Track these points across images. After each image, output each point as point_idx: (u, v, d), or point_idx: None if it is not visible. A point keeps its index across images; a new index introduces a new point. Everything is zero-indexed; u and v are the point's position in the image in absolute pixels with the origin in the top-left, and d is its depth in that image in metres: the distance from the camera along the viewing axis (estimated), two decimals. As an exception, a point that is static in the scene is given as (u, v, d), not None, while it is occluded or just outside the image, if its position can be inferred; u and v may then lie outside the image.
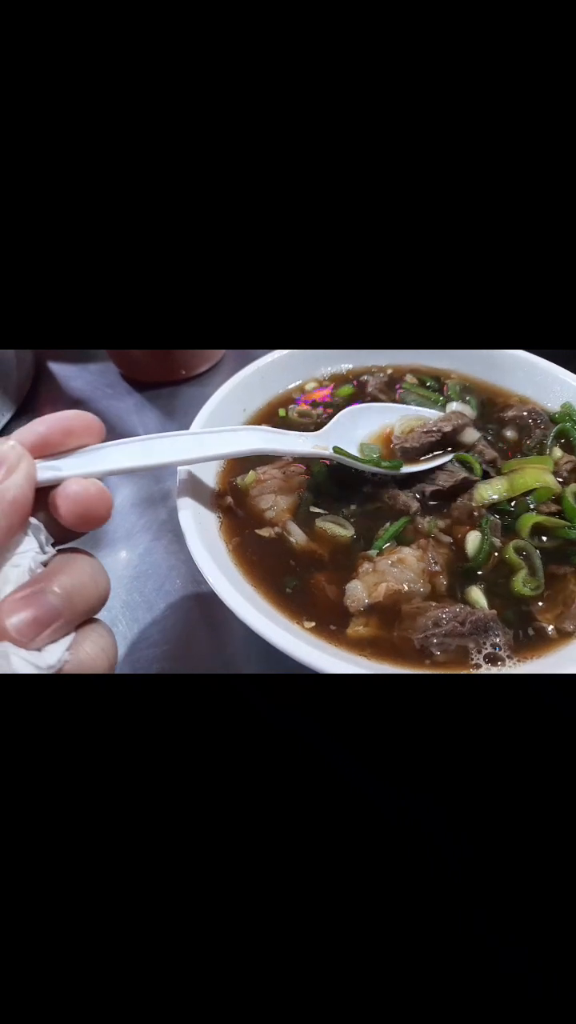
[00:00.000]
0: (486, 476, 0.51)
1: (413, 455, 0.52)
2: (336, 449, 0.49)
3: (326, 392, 0.61)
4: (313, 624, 0.42)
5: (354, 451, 0.51)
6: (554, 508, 0.49)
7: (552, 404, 0.58)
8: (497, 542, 0.46)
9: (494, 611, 0.42)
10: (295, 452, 0.49)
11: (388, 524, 0.48)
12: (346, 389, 0.61)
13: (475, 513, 0.48)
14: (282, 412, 0.58)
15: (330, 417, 0.55)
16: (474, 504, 0.48)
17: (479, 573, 0.45)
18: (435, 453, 0.53)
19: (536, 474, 0.49)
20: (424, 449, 0.52)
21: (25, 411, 0.75)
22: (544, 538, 0.47)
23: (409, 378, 0.62)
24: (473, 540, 0.46)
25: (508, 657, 0.40)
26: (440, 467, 0.52)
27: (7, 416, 0.72)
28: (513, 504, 0.49)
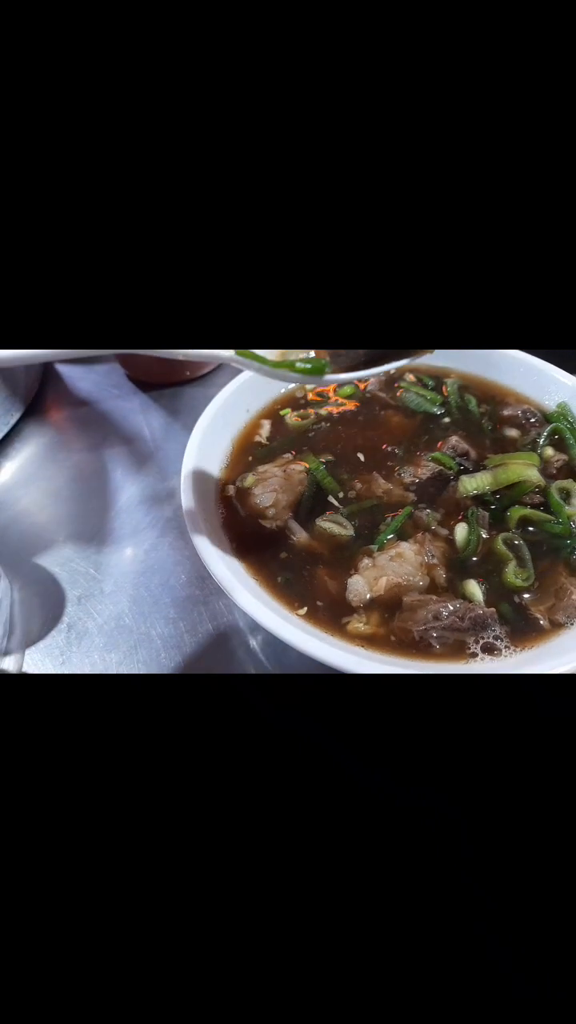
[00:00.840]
0: (463, 469, 0.53)
1: (348, 360, 0.44)
2: (239, 351, 0.40)
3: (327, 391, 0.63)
4: (305, 610, 0.44)
5: (273, 356, 0.43)
6: (537, 500, 0.50)
7: (549, 403, 0.59)
8: (484, 534, 0.48)
9: (493, 609, 0.43)
10: (185, 355, 0.40)
11: (388, 518, 0.49)
12: (347, 388, 0.62)
13: (461, 504, 0.50)
14: (284, 412, 0.59)
15: (328, 419, 0.56)
16: (458, 496, 0.50)
17: (473, 560, 0.47)
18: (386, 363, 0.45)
19: (520, 469, 0.51)
20: (365, 355, 0.44)
21: (33, 411, 0.76)
22: (531, 528, 0.49)
23: (409, 377, 0.64)
24: (461, 532, 0.48)
25: (505, 647, 0.42)
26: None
27: (16, 416, 0.74)
28: (498, 496, 0.51)
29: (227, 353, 0.39)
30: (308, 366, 0.40)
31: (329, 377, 0.41)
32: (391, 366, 0.45)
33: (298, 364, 0.40)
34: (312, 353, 0.42)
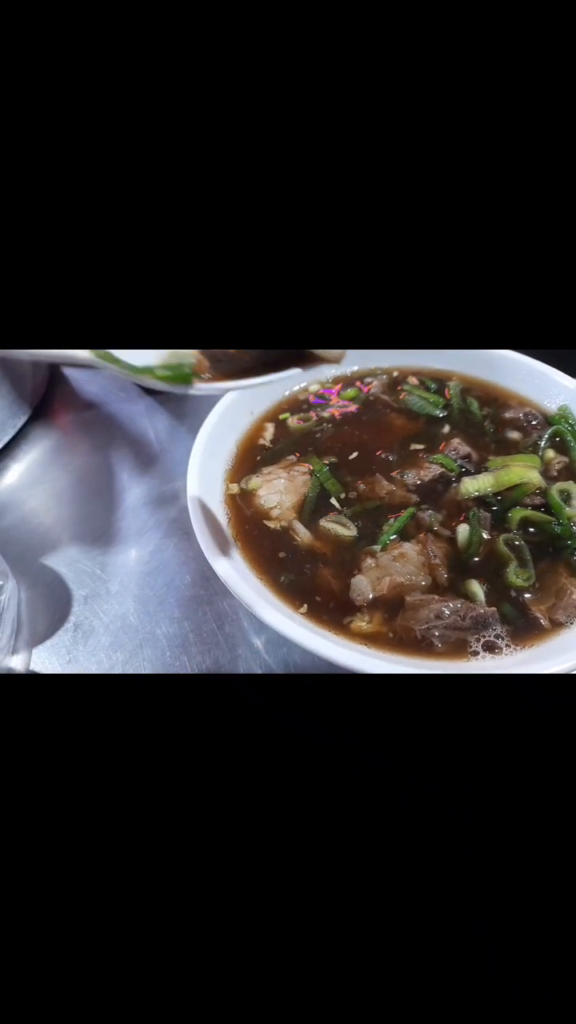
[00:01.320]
0: (464, 471, 0.54)
1: (230, 367, 0.39)
2: (96, 352, 0.35)
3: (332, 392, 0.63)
4: (305, 608, 0.44)
5: (150, 359, 0.37)
6: (538, 501, 0.51)
7: (550, 405, 0.60)
8: (486, 534, 0.48)
9: (494, 608, 0.43)
10: (46, 355, 0.36)
11: (391, 519, 0.50)
12: (351, 392, 0.63)
13: (463, 505, 0.50)
14: (283, 416, 0.60)
15: (331, 422, 0.56)
16: (459, 498, 0.51)
17: (475, 560, 0.47)
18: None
19: (521, 471, 0.51)
20: (252, 360, 0.39)
21: (40, 414, 0.77)
22: (532, 529, 0.49)
23: (412, 380, 0.64)
24: (463, 532, 0.48)
25: (506, 646, 0.42)
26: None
27: (23, 419, 0.74)
28: (499, 497, 0.51)
29: (84, 354, 0.35)
30: (168, 373, 0.36)
31: (201, 386, 0.37)
32: (272, 377, 0.39)
33: (157, 370, 0.36)
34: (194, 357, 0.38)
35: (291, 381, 0.63)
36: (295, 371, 0.40)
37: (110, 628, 0.54)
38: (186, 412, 0.78)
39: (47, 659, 0.52)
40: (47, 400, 0.79)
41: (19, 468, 0.70)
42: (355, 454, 0.56)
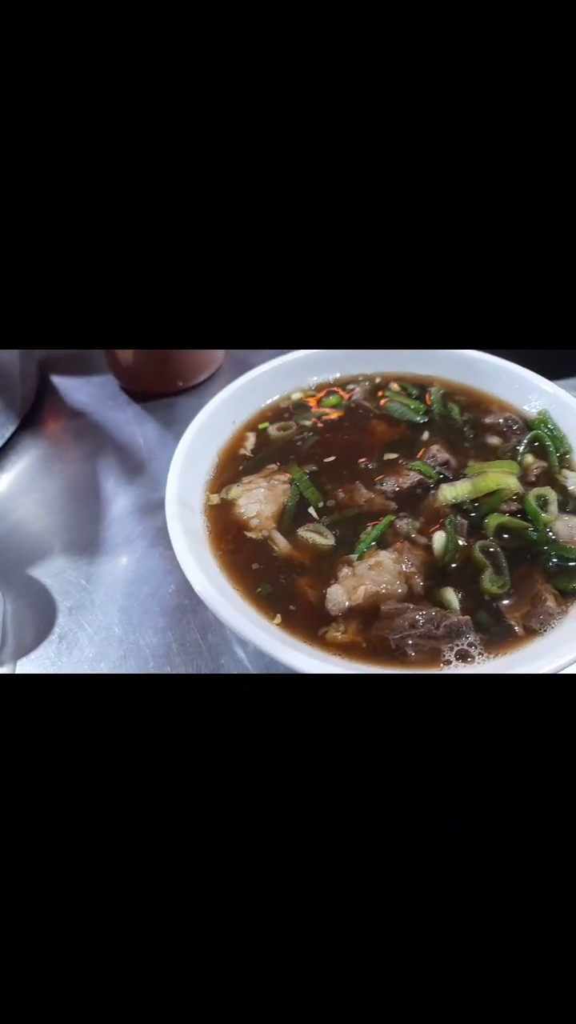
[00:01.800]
0: (443, 478, 0.54)
1: None
2: None
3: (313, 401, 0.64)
4: (279, 618, 0.45)
5: None
6: (516, 507, 0.51)
7: (530, 410, 0.60)
8: (462, 541, 0.48)
9: (467, 617, 0.44)
10: None
11: (369, 527, 0.50)
12: (333, 399, 0.63)
13: (441, 512, 0.51)
14: (263, 425, 0.61)
15: (312, 430, 0.57)
16: (437, 505, 0.51)
17: (452, 567, 0.48)
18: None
19: (498, 477, 0.51)
20: None
21: (29, 423, 0.78)
22: (506, 536, 0.50)
23: (393, 386, 0.64)
24: (439, 540, 0.48)
25: (479, 655, 0.43)
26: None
27: (11, 428, 0.75)
28: (476, 504, 0.52)
29: None
30: None
31: None
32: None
33: None
34: None
35: (275, 389, 0.64)
36: None
37: (94, 639, 0.55)
38: (174, 419, 0.78)
39: (31, 671, 0.53)
40: (36, 409, 0.80)
41: (7, 478, 0.71)
42: (335, 462, 0.57)
